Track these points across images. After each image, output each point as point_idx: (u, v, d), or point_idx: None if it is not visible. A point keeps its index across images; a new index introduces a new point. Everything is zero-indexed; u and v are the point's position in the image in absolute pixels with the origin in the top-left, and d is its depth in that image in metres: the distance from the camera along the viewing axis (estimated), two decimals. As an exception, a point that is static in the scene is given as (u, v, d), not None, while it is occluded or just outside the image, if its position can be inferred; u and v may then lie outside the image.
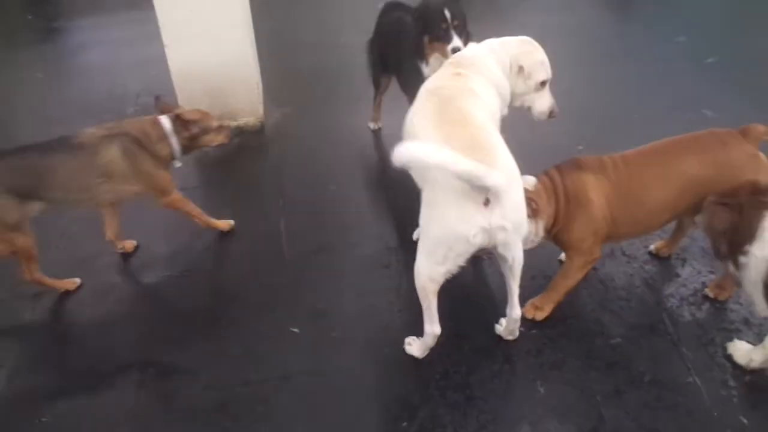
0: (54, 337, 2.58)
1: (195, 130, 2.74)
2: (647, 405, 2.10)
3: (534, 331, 2.39)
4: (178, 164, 2.84)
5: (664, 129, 2.44)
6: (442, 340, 2.20)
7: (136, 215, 2.95)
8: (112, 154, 2.54)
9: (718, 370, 2.20)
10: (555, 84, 2.41)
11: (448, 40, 2.71)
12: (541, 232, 2.27)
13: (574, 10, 5.32)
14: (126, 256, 2.93)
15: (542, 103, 2.39)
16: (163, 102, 2.82)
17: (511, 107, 2.39)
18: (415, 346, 2.29)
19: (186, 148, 2.77)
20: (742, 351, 2.20)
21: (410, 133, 2.12)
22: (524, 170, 1.85)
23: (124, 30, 5.51)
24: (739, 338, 2.26)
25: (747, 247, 1.97)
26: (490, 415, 2.11)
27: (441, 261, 1.95)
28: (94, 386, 2.32)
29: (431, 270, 1.99)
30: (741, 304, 2.42)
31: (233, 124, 3.78)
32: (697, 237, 2.70)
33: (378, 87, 3.61)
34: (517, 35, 2.38)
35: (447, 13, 2.71)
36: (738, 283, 2.15)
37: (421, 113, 2.13)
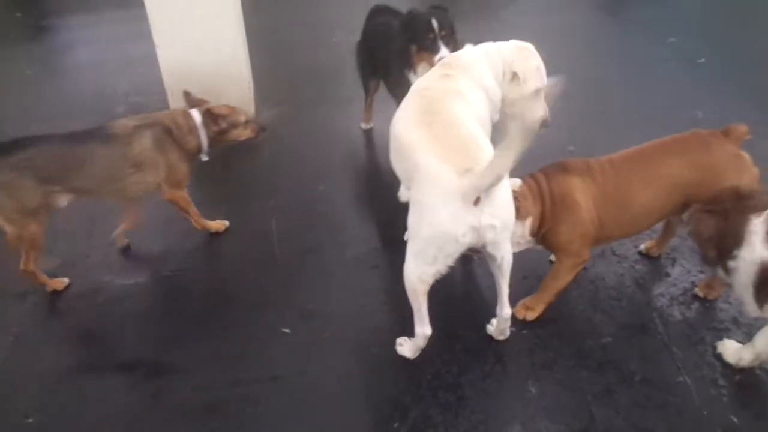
0: (42, 337, 2.55)
1: (224, 124, 2.80)
2: (638, 404, 2.11)
3: (525, 331, 2.39)
4: (205, 158, 2.86)
5: (655, 129, 2.45)
6: (433, 341, 2.20)
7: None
8: (144, 144, 2.59)
9: (708, 369, 2.21)
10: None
11: (436, 50, 2.68)
12: (527, 234, 2.28)
13: (565, 12, 5.34)
14: (115, 255, 2.91)
15: (535, 111, 2.32)
16: (194, 96, 2.85)
17: (503, 114, 2.35)
18: (406, 347, 2.29)
19: (214, 142, 2.81)
20: (731, 350, 2.21)
21: (393, 134, 2.13)
22: (514, 171, 1.85)
23: (114, 28, 5.48)
24: (729, 337, 2.28)
25: (736, 252, 1.99)
26: (482, 415, 2.11)
27: (431, 261, 1.94)
28: (82, 386, 2.29)
29: (421, 271, 1.98)
30: (730, 304, 2.43)
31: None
32: (686, 236, 2.71)
33: (367, 90, 3.58)
34: (508, 37, 2.35)
35: (435, 23, 2.69)
36: (727, 285, 2.16)
37: (404, 113, 2.13)
